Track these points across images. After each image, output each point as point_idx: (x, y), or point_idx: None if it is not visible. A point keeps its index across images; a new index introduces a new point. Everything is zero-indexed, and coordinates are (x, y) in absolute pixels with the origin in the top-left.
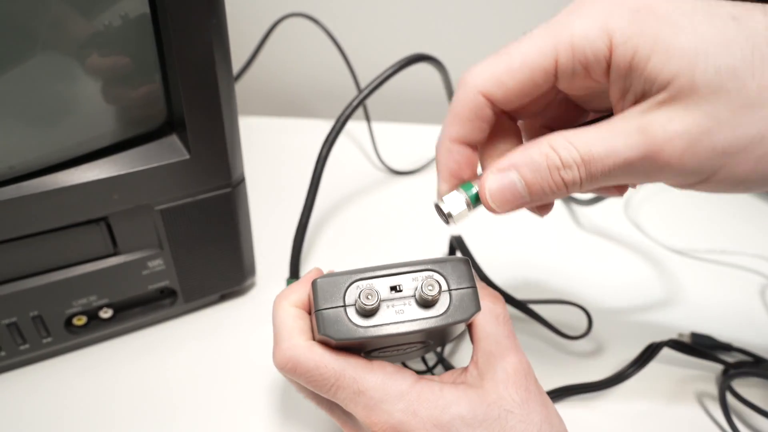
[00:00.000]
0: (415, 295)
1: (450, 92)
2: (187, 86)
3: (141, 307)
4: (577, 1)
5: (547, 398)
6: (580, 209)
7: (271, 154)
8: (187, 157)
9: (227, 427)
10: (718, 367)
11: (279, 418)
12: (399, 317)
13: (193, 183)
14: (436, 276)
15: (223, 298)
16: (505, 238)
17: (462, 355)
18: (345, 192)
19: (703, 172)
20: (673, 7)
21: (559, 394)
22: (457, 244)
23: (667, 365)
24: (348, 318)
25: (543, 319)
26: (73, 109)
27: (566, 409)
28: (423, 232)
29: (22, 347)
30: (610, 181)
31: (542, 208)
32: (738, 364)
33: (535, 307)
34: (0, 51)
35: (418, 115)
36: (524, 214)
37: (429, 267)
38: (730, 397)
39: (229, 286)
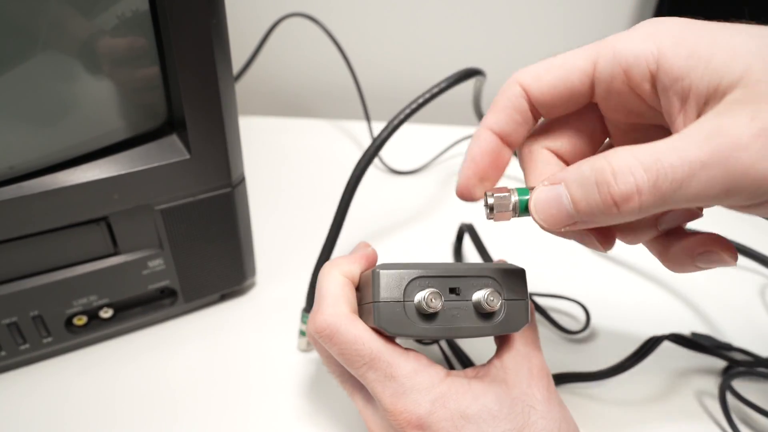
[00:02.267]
0: (472, 301)
1: (478, 103)
2: (187, 86)
3: (141, 306)
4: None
5: (562, 400)
6: None
7: (271, 154)
8: (188, 157)
9: (227, 426)
10: (718, 367)
11: (279, 417)
12: (454, 323)
13: (193, 183)
14: (495, 285)
15: (224, 297)
16: (510, 235)
17: (472, 347)
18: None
19: None
20: (722, 25)
21: (558, 380)
22: (467, 230)
23: (668, 364)
24: (406, 314)
25: (544, 311)
26: (73, 109)
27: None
28: (423, 232)
29: (22, 347)
30: (674, 201)
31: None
32: (738, 363)
33: (535, 299)
34: (0, 50)
35: (418, 115)
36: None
37: (488, 274)
38: (730, 397)
39: (229, 285)
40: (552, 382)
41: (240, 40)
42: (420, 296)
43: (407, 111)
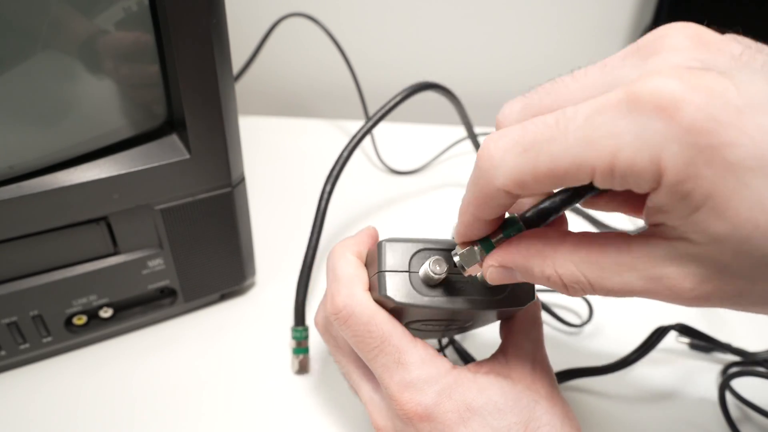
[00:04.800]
0: (479, 275)
1: (463, 116)
2: (187, 86)
3: (141, 306)
4: (625, 91)
5: (563, 396)
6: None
7: (271, 154)
8: (187, 156)
9: (227, 426)
10: (717, 366)
11: (278, 418)
12: (460, 293)
13: (193, 183)
14: None
15: (223, 297)
16: None
17: (477, 349)
18: (345, 192)
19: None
20: (740, 129)
21: (564, 376)
22: None
23: (667, 364)
24: (412, 284)
25: (546, 305)
26: (73, 109)
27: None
28: (423, 232)
29: (22, 347)
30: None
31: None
32: (737, 363)
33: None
34: (0, 50)
35: (418, 115)
36: None
37: None
38: (729, 396)
39: (228, 285)
40: (555, 379)
41: (240, 40)
42: (426, 265)
43: (358, 136)
